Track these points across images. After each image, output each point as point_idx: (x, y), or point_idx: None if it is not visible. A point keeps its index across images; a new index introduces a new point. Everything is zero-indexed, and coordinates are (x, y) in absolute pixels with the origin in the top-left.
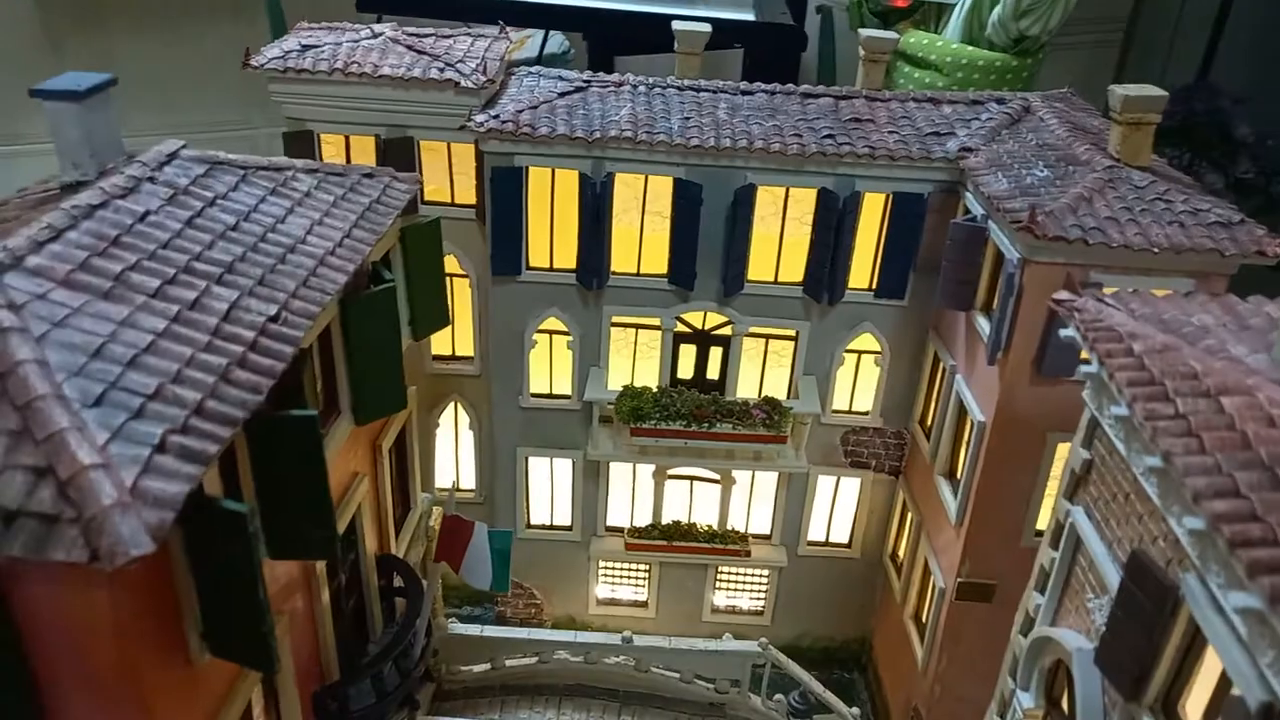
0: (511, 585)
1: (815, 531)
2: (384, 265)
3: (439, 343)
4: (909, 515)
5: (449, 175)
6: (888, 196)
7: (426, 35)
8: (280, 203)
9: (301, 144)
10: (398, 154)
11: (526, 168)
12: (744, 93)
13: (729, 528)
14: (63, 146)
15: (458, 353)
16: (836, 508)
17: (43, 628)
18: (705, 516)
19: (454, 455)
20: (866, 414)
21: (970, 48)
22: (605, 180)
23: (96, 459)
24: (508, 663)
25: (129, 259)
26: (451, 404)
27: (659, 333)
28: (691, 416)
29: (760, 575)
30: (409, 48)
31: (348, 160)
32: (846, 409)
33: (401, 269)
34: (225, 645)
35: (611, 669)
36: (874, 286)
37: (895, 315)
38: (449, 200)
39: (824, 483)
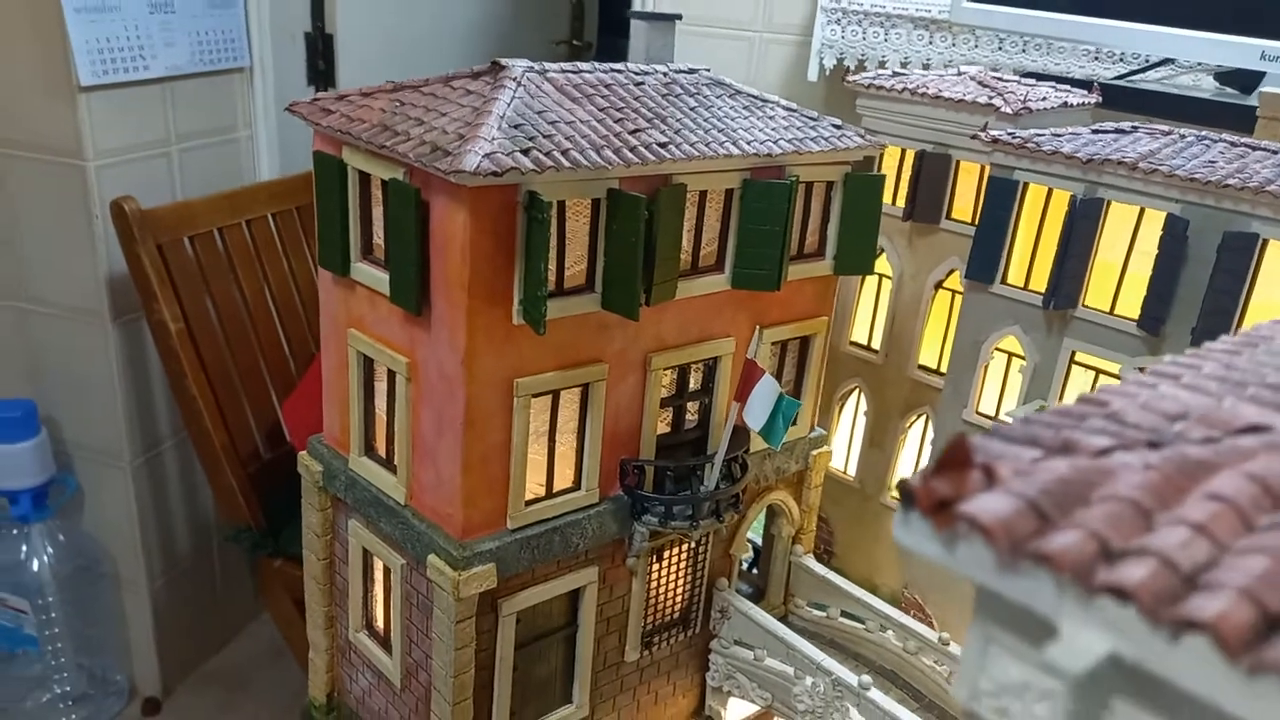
0: (915, 600)
1: None
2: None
3: (926, 354)
4: None
5: (976, 197)
6: None
7: (1008, 80)
8: (744, 112)
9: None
10: (934, 166)
11: (1024, 183)
12: None
13: None
14: (633, 51)
15: (940, 367)
16: None
17: (435, 231)
18: None
19: (913, 466)
20: None
21: None
22: (1095, 204)
23: (502, 139)
24: (840, 619)
25: (604, 94)
26: (922, 418)
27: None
28: None
29: None
30: (980, 84)
31: (898, 173)
32: None
33: (838, 206)
34: (525, 308)
35: (926, 672)
36: None
37: None
38: (970, 220)
39: None
